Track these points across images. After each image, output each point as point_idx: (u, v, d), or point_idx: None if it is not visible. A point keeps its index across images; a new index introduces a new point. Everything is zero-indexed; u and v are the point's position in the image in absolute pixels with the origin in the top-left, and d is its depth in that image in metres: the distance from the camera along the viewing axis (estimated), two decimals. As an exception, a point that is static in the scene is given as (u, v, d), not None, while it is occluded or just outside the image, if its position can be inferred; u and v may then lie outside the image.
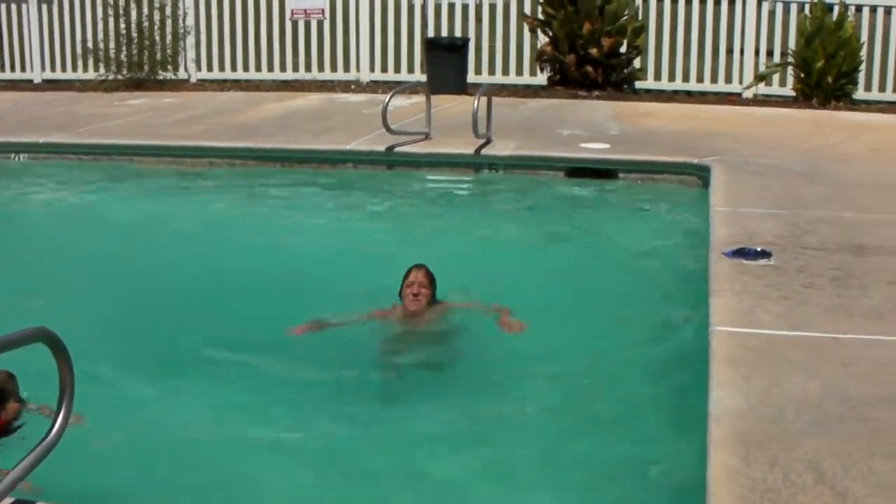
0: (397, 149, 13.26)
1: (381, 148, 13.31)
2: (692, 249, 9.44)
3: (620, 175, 12.71)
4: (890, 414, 5.40)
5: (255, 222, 11.63)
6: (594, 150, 13.18)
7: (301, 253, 10.14)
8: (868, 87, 18.39)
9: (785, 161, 12.25)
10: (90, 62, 20.86)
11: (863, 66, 18.08)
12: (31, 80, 21.52)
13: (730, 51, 19.27)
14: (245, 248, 10.38)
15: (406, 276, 8.20)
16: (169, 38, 20.55)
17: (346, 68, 20.67)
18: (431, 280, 8.21)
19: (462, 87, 18.57)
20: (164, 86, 20.11)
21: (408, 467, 5.88)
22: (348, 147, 13.55)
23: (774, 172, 11.58)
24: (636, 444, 6.09)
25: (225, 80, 20.80)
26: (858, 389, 5.70)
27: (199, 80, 20.88)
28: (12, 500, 4.52)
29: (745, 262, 7.99)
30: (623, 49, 19.29)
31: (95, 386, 6.17)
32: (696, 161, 12.29)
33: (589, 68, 18.97)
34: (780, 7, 19.20)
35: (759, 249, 8.21)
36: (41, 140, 14.48)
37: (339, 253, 10.16)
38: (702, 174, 11.95)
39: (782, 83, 18.71)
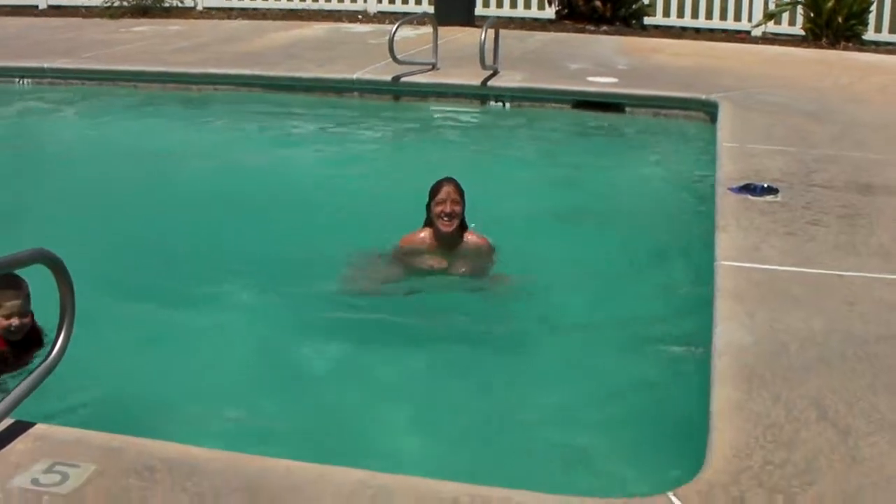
0: (403, 79, 13.20)
1: (388, 78, 13.25)
2: (698, 184, 9.41)
3: (627, 109, 12.64)
4: (894, 352, 5.38)
5: (259, 149, 11.57)
6: (601, 83, 13.12)
7: (310, 181, 10.09)
8: (878, 29, 18.26)
9: (793, 100, 12.18)
10: (96, -12, 20.73)
11: (873, 7, 17.95)
12: (35, 6, 21.39)
13: (740, -12, 19.14)
14: (251, 175, 10.33)
15: (435, 192, 7.53)
16: (176, -37, 20.43)
17: (354, -2, 20.56)
18: (462, 194, 7.55)
19: (470, 19, 18.44)
20: (169, 13, 20.01)
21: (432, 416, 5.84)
22: (354, 76, 13.48)
23: (783, 111, 11.51)
24: (642, 376, 6.06)
25: (231, 9, 20.70)
26: (862, 327, 5.68)
27: (205, 8, 20.79)
28: (13, 420, 4.51)
29: (751, 197, 7.95)
30: (632, -16, 19.17)
31: (98, 310, 6.11)
32: (703, 97, 12.22)
33: (597, 2, 18.88)
34: (792, -56, 19.03)
35: (765, 185, 8.17)
36: (45, 65, 14.40)
37: (347, 182, 10.09)
38: (709, 110, 11.89)
39: (792, 22, 18.58)
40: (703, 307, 6.07)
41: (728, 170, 8.73)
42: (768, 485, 4.11)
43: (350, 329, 6.77)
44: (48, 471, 4.14)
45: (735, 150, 9.50)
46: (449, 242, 7.61)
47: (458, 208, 7.45)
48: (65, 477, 4.10)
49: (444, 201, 7.44)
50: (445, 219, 7.45)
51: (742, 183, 8.22)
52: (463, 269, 7.59)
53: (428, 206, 7.59)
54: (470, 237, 7.67)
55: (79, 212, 8.98)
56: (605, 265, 7.84)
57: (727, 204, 7.79)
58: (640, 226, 8.70)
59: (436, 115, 13.00)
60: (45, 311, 5.46)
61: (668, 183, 10.06)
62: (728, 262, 6.54)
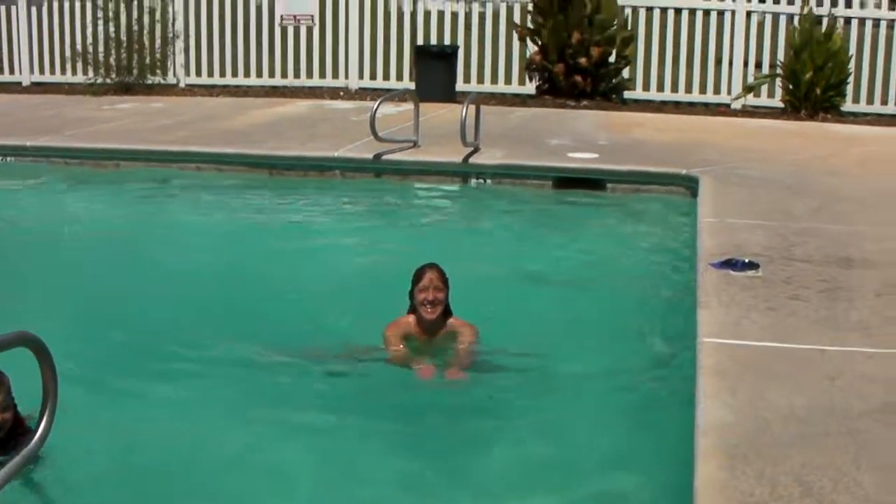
0: (385, 156, 13.24)
1: (369, 155, 13.28)
2: (680, 261, 9.45)
3: (608, 185, 12.70)
4: (876, 427, 5.39)
5: (240, 229, 11.58)
6: (582, 159, 13.18)
7: (291, 261, 10.10)
8: (856, 100, 18.49)
9: (773, 173, 12.27)
10: (79, 65, 20.88)
11: (851, 79, 18.17)
12: (19, 83, 21.50)
13: (718, 62, 19.34)
14: (232, 255, 10.36)
15: (418, 279, 7.46)
16: (158, 42, 20.57)
17: (335, 75, 20.69)
18: (446, 282, 7.48)
19: (451, 96, 18.56)
20: (152, 90, 20.09)
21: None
22: (336, 154, 13.53)
23: (762, 184, 11.60)
24: (625, 456, 6.07)
25: (214, 86, 20.79)
26: (845, 402, 5.68)
27: (187, 85, 20.88)
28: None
29: (732, 273, 7.98)
30: (612, 59, 19.35)
31: (82, 391, 6.11)
32: (684, 172, 12.30)
33: (577, 78, 18.99)
34: (768, 18, 19.27)
35: (746, 261, 8.20)
36: (28, 143, 14.42)
37: (328, 262, 10.11)
38: (690, 185, 11.96)
39: (770, 94, 18.79)
40: (685, 384, 6.08)
41: (709, 245, 8.77)
42: (753, 564, 4.11)
43: (336, 414, 6.73)
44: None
45: (715, 224, 9.55)
46: (432, 329, 7.53)
47: (440, 295, 7.40)
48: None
49: (426, 288, 7.39)
50: (428, 307, 7.39)
51: (723, 258, 8.26)
52: (447, 357, 7.46)
53: (411, 293, 7.51)
54: (454, 323, 7.58)
55: (58, 292, 8.98)
56: (586, 342, 7.86)
57: (708, 280, 7.81)
58: (621, 303, 8.73)
59: (417, 193, 13.04)
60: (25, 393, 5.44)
61: (650, 259, 10.10)
62: (710, 339, 6.55)
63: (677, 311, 7.97)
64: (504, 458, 6.17)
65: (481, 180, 13.09)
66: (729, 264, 8.14)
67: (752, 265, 8.15)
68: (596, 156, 13.36)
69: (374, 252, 10.70)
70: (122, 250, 10.58)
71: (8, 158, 14.33)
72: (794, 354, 6.39)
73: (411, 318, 7.56)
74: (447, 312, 7.54)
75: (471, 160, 13.05)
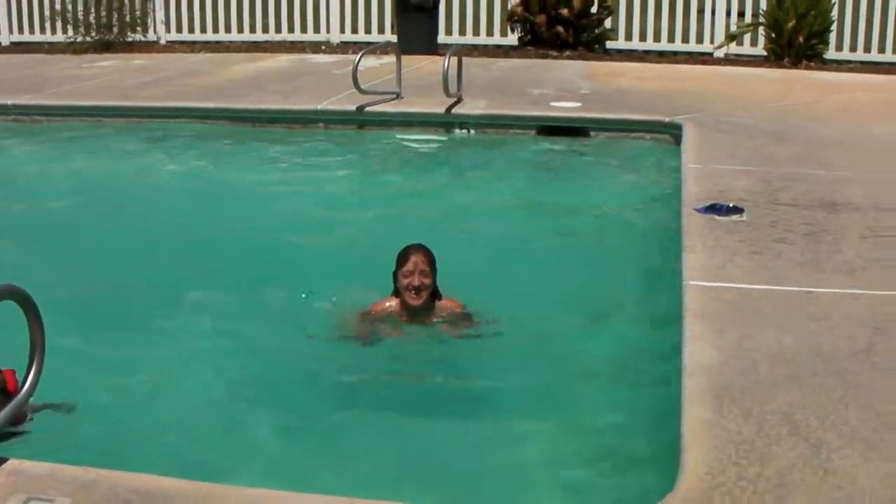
0: (368, 108, 13.22)
1: (352, 107, 13.27)
2: (664, 206, 9.45)
3: (592, 133, 12.70)
4: (863, 367, 5.42)
5: (223, 183, 11.55)
6: (565, 108, 13.19)
7: (274, 214, 10.08)
8: (839, 47, 18.45)
9: (756, 120, 12.27)
10: (58, 24, 20.73)
11: (834, 26, 18.12)
12: (-2, 43, 21.39)
13: (701, 11, 19.29)
14: (215, 209, 10.33)
15: (402, 262, 6.97)
16: (138, -1, 20.44)
17: (317, 29, 20.62)
18: (433, 264, 6.97)
19: (433, 48, 18.51)
20: (133, 48, 19.98)
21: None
22: (319, 107, 13.51)
23: (746, 131, 11.60)
24: (613, 398, 6.08)
25: (194, 42, 20.71)
26: (831, 343, 5.71)
27: (168, 42, 20.80)
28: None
29: (717, 217, 7.99)
30: (594, 9, 19.30)
31: (67, 343, 6.09)
32: (667, 119, 12.30)
33: (560, 28, 18.95)
34: (751, -34, 19.20)
35: (731, 205, 8.22)
36: (10, 102, 14.34)
37: (312, 216, 10.07)
38: (673, 132, 11.95)
39: (753, 43, 18.76)
40: (671, 327, 6.09)
41: (693, 190, 8.78)
42: (741, 500, 4.12)
43: (325, 368, 6.71)
44: (22, 506, 4.13)
45: (700, 170, 9.56)
46: (418, 313, 7.05)
47: (427, 280, 6.93)
48: (39, 512, 4.09)
49: (411, 273, 6.92)
50: (413, 292, 6.93)
51: (708, 203, 8.27)
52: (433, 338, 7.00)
53: (395, 275, 7.05)
54: (442, 304, 7.14)
55: (43, 247, 8.94)
56: (572, 288, 7.87)
57: (693, 224, 7.82)
58: (606, 248, 8.78)
59: (401, 144, 13.01)
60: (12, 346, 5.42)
61: (634, 205, 10.10)
62: (695, 282, 6.57)
63: (662, 256, 7.97)
64: (491, 416, 6.12)
65: (465, 130, 13.07)
66: (713, 209, 8.15)
67: (737, 209, 8.16)
68: (579, 105, 13.36)
69: (359, 204, 10.68)
70: (107, 207, 10.53)
71: (-4, 117, 14.27)
72: (780, 296, 6.41)
73: (395, 302, 7.12)
74: (435, 294, 7.10)
75: (454, 111, 13.03)
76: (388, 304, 7.15)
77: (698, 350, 5.57)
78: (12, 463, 4.49)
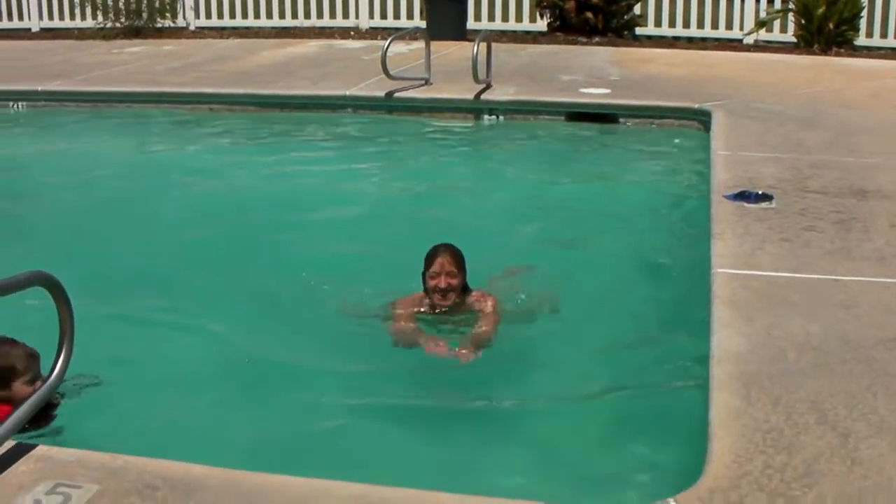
0: (397, 94, 13.23)
1: (381, 93, 13.27)
2: (693, 193, 9.42)
3: (621, 120, 12.68)
4: (892, 355, 5.38)
5: (253, 168, 11.56)
6: (594, 94, 13.15)
7: (304, 199, 10.07)
8: (869, 34, 18.34)
9: (786, 107, 12.21)
10: (88, 10, 20.81)
11: (864, 13, 18.01)
12: (28, 29, 21.48)
13: (731, -3, 19.21)
14: (244, 195, 10.35)
15: (429, 263, 6.74)
16: (167, -15, 20.48)
17: (346, 15, 20.64)
18: (461, 264, 6.74)
19: (461, 33, 18.50)
20: (162, 34, 20.04)
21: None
22: (348, 92, 13.50)
23: (775, 118, 11.54)
24: (641, 386, 6.06)
25: (223, 28, 20.76)
26: (860, 331, 5.68)
27: (197, 28, 20.85)
28: (14, 442, 4.51)
29: (746, 205, 7.96)
30: (623, -5, 19.23)
31: (99, 331, 6.11)
32: (696, 106, 12.25)
33: (589, 14, 18.92)
34: (782, -48, 19.12)
35: (760, 192, 8.18)
36: (40, 88, 14.41)
37: (339, 202, 10.07)
38: (702, 119, 11.91)
39: (783, 29, 18.67)
40: (700, 315, 6.07)
41: (722, 178, 8.74)
42: (768, 489, 4.11)
43: (344, 358, 6.60)
44: (51, 492, 4.14)
45: (729, 157, 9.51)
46: (446, 313, 6.80)
47: (454, 282, 6.69)
48: (67, 498, 4.10)
49: (437, 275, 6.69)
50: (439, 295, 6.71)
51: (737, 190, 8.23)
52: (462, 340, 6.57)
53: (423, 276, 6.82)
54: (473, 300, 6.87)
55: (74, 234, 8.98)
56: (600, 274, 7.84)
57: (722, 212, 7.79)
58: (635, 236, 8.73)
59: (430, 130, 13.00)
60: (42, 332, 5.44)
61: (663, 192, 10.08)
62: (724, 270, 6.54)
63: (691, 243, 7.94)
64: (517, 402, 6.10)
65: (494, 117, 13.06)
66: (743, 196, 8.12)
67: (766, 197, 8.12)
68: (608, 91, 13.33)
69: (388, 189, 10.70)
70: (135, 192, 10.56)
71: (20, 104, 14.32)
72: (808, 284, 6.37)
73: (425, 299, 6.88)
74: (465, 290, 6.85)
75: (483, 97, 13.01)
76: (416, 300, 6.90)
77: (726, 338, 5.55)
78: (41, 449, 4.51)
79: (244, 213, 9.51)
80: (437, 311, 6.80)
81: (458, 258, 6.73)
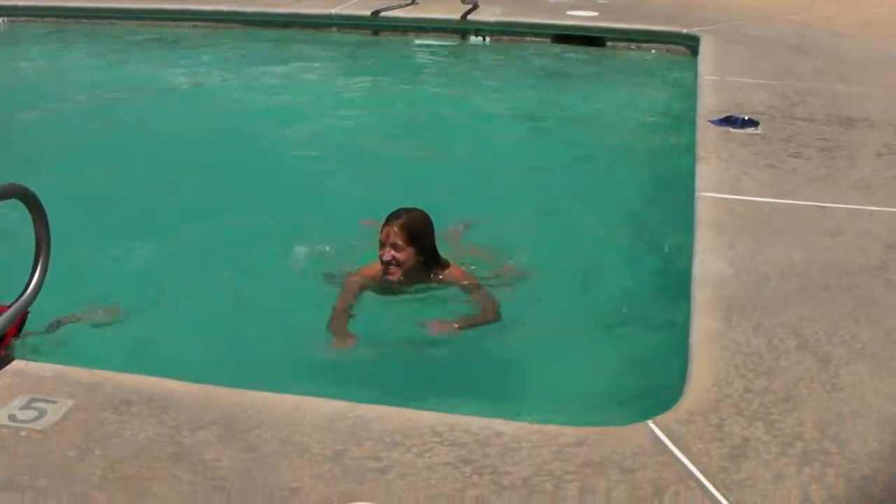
0: (382, 13, 13.09)
1: (366, 13, 13.14)
2: (679, 117, 9.36)
3: (608, 43, 12.59)
4: (875, 283, 5.37)
5: (236, 88, 11.46)
6: (582, 17, 13.04)
7: (287, 120, 9.96)
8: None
9: (776, 33, 12.13)
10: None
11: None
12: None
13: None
14: (227, 114, 10.24)
15: (380, 230, 5.97)
16: None
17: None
18: (413, 237, 5.89)
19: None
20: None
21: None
22: (333, 11, 13.37)
23: (765, 44, 11.47)
24: (622, 309, 6.04)
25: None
26: (844, 258, 5.66)
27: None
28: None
29: (732, 129, 7.92)
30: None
31: (71, 245, 6.05)
32: (685, 30, 12.18)
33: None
34: None
35: (746, 118, 8.13)
36: (20, 3, 14.19)
37: (321, 126, 9.98)
38: (690, 44, 11.83)
39: (776, -45, 18.47)
40: (683, 238, 6.04)
41: (709, 102, 8.69)
42: (748, 412, 4.10)
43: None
44: (25, 406, 4.11)
45: (716, 83, 9.46)
46: (400, 288, 6.04)
47: (400, 255, 5.87)
48: (42, 412, 4.07)
49: (383, 245, 5.92)
50: (384, 266, 5.94)
51: (723, 115, 8.19)
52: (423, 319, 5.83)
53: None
54: (445, 275, 6.09)
55: (52, 149, 8.90)
56: (583, 199, 7.80)
57: (708, 136, 7.75)
58: (619, 158, 8.69)
59: (415, 50, 12.90)
60: (19, 245, 5.38)
61: (649, 115, 10.03)
62: (708, 194, 6.52)
63: (676, 167, 7.90)
64: (502, 337, 6.03)
65: (480, 38, 12.95)
66: (729, 121, 8.08)
67: (752, 122, 8.08)
68: (595, 14, 13.22)
69: (371, 113, 10.58)
70: (118, 109, 10.46)
71: (1, 19, 14.12)
72: (794, 210, 6.35)
73: (380, 271, 6.07)
74: (431, 263, 6.06)
75: (469, 17, 12.90)
76: (371, 271, 6.11)
77: (709, 261, 5.53)
78: (17, 364, 4.48)
79: (223, 134, 9.38)
80: (390, 288, 6.03)
81: (409, 230, 5.89)
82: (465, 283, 6.06)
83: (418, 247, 5.92)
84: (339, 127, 9.92)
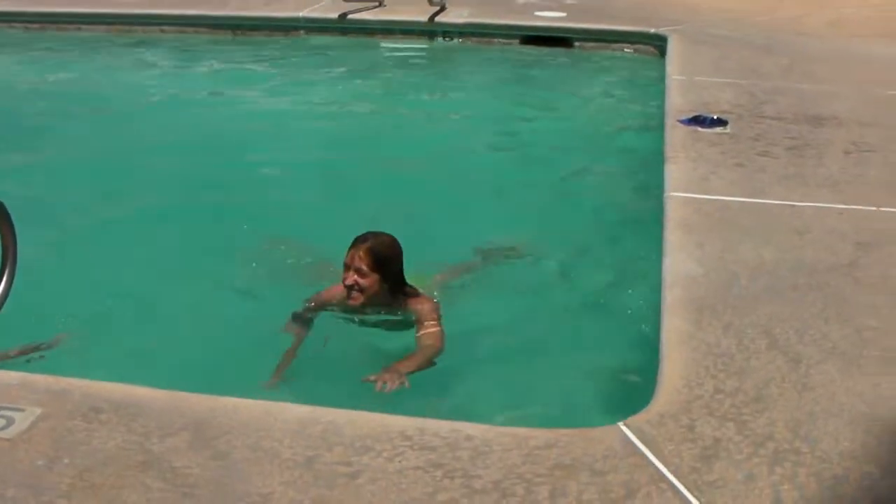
0: (350, 16, 13.08)
1: (334, 15, 13.13)
2: (647, 117, 9.37)
3: (576, 44, 12.60)
4: (845, 282, 5.38)
5: (205, 92, 11.43)
6: (550, 18, 13.06)
7: (255, 123, 9.95)
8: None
9: (743, 33, 12.18)
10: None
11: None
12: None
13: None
14: (196, 118, 10.21)
15: (347, 252, 5.65)
16: None
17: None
18: (378, 262, 5.57)
19: (417, -44, 18.28)
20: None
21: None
22: (301, 14, 13.34)
23: (732, 44, 11.51)
24: (592, 311, 6.04)
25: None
26: (813, 256, 5.67)
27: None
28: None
29: (700, 129, 7.93)
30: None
31: (39, 254, 6.01)
32: (652, 30, 12.20)
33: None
34: None
35: (714, 117, 8.15)
36: (-8, 10, 14.12)
37: (293, 125, 9.99)
38: (658, 44, 11.86)
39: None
40: (652, 239, 6.04)
41: (677, 102, 8.71)
42: (719, 413, 4.09)
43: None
44: (-8, 415, 4.08)
45: (684, 82, 9.48)
46: (369, 310, 5.76)
47: (363, 281, 5.57)
48: (10, 421, 4.03)
49: (347, 268, 5.62)
50: (346, 290, 5.65)
51: (691, 115, 8.20)
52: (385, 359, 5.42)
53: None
54: (411, 304, 5.76)
55: (21, 156, 8.83)
56: (552, 200, 7.81)
57: (676, 136, 7.77)
58: (587, 159, 8.70)
59: (383, 53, 12.89)
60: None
61: (617, 116, 10.05)
62: (677, 194, 6.52)
63: (644, 167, 7.90)
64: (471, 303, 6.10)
65: (448, 39, 12.94)
66: (697, 121, 8.09)
67: (721, 122, 8.09)
68: (563, 14, 13.24)
69: (339, 115, 10.55)
70: (87, 114, 10.38)
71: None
72: (763, 209, 6.36)
73: (343, 294, 5.76)
74: (398, 290, 5.75)
75: (437, 19, 12.90)
76: (334, 295, 5.85)
77: (679, 262, 5.53)
78: (-18, 372, 4.44)
79: (189, 140, 9.35)
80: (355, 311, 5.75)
81: (375, 255, 5.59)
82: (426, 317, 5.65)
83: (383, 273, 5.61)
84: (304, 127, 9.93)
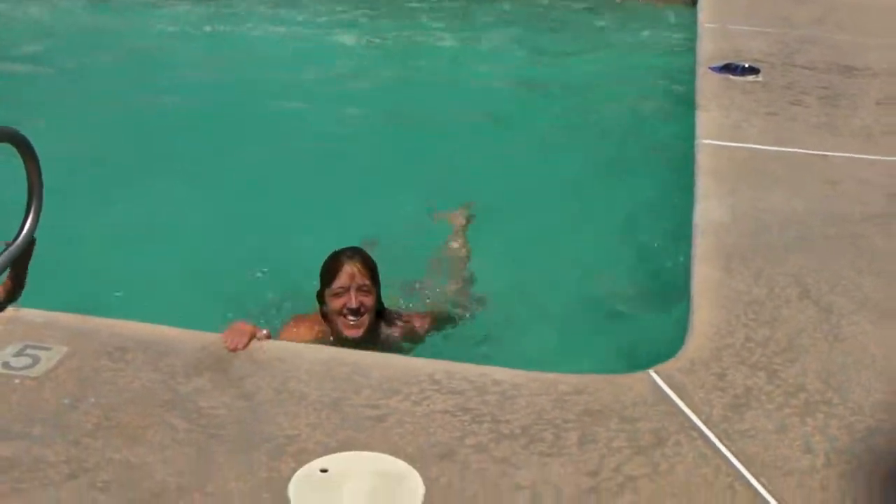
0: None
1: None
2: (679, 65, 9.28)
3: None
4: (876, 232, 5.34)
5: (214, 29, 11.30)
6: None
7: (258, 80, 9.78)
8: None
9: (775, -20, 12.03)
10: None
11: None
12: None
13: None
14: (197, 59, 10.12)
15: (331, 276, 4.75)
16: None
17: None
18: (373, 273, 4.80)
19: None
20: None
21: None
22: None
23: (764, -9, 11.38)
24: (623, 257, 6.01)
25: None
26: (845, 207, 5.63)
27: None
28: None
29: (732, 77, 7.85)
30: None
31: (66, 192, 5.99)
32: (684, -23, 12.06)
33: None
34: None
35: (746, 66, 8.06)
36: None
37: (298, 63, 9.89)
38: (690, -9, 11.72)
39: None
40: (683, 187, 5.99)
41: (708, 50, 8.61)
42: (749, 362, 4.06)
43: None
44: (19, 354, 4.06)
45: (716, 30, 9.37)
46: (369, 342, 4.77)
47: (368, 300, 4.73)
48: (36, 360, 4.02)
49: (345, 290, 4.71)
50: (351, 318, 4.71)
51: (723, 63, 8.12)
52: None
53: (320, 296, 4.86)
54: (403, 327, 5.03)
55: (43, 98, 8.79)
56: (585, 150, 7.74)
57: (708, 84, 7.69)
58: (620, 107, 8.62)
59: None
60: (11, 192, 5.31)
61: (648, 63, 9.94)
62: (709, 141, 6.46)
63: (676, 114, 7.84)
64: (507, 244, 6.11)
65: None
66: (729, 69, 8.00)
67: (753, 70, 8.01)
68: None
69: (356, 57, 10.43)
70: (96, 61, 10.27)
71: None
72: (794, 158, 6.30)
73: (321, 327, 4.88)
74: (382, 314, 4.95)
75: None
76: (314, 328, 4.90)
77: (709, 209, 5.48)
78: (9, 311, 4.42)
79: (193, 79, 9.30)
80: (342, 345, 4.65)
81: (371, 266, 4.80)
82: (420, 325, 5.08)
83: (377, 283, 4.84)
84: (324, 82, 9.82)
